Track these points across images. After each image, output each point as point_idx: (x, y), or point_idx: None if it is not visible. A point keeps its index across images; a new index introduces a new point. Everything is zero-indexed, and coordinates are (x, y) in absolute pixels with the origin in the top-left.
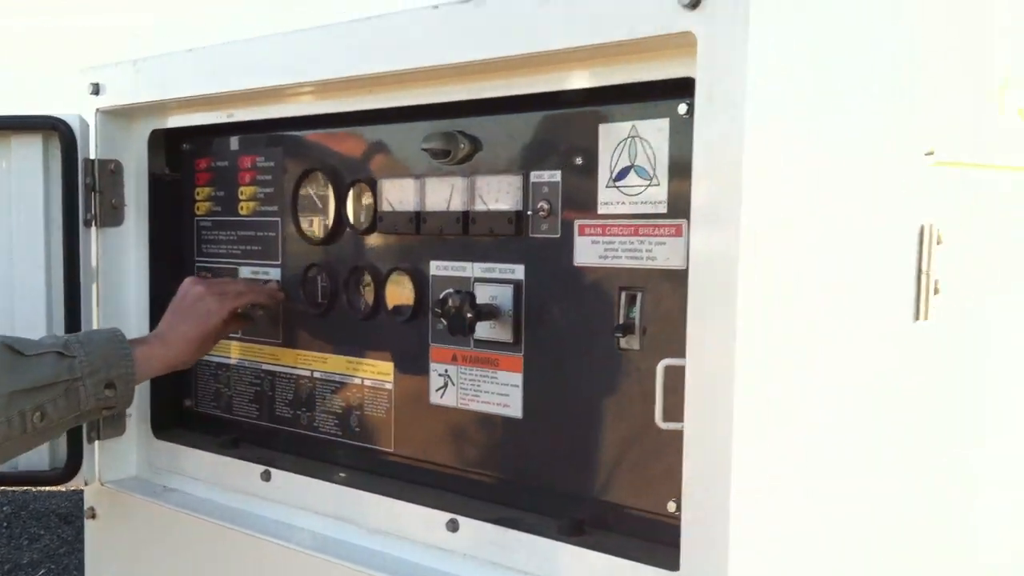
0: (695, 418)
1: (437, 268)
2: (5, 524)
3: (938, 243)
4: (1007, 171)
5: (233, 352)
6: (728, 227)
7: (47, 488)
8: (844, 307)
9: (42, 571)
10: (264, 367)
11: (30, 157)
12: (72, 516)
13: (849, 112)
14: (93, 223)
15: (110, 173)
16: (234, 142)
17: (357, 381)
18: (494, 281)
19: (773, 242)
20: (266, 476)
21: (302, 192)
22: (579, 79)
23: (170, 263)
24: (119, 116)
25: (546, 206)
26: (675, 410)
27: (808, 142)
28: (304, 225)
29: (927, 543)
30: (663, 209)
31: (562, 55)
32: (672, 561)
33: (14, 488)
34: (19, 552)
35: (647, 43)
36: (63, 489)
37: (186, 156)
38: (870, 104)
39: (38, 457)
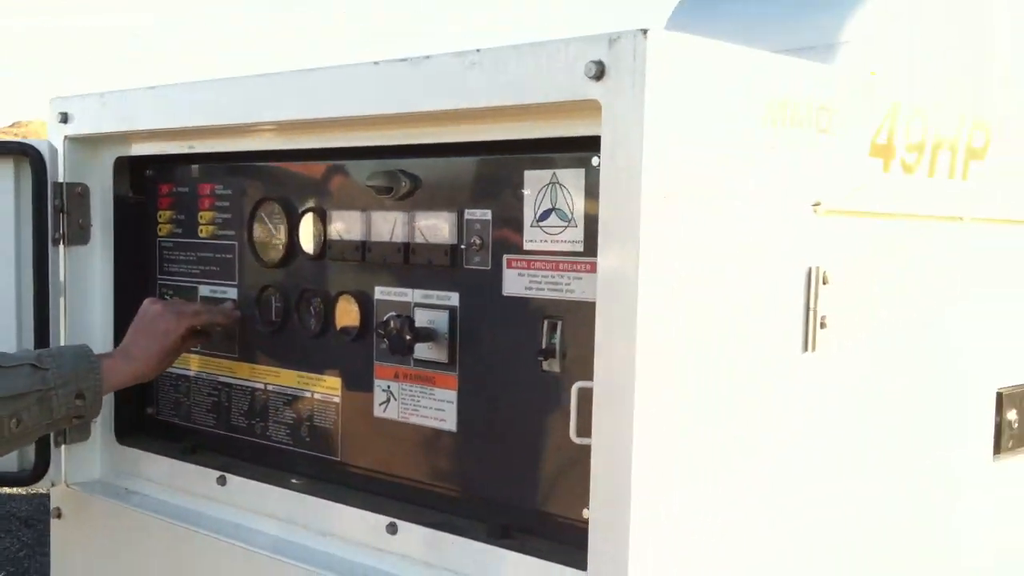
0: (600, 433)
1: (381, 293)
2: None
3: (824, 283)
4: (889, 218)
5: (192, 364)
6: (628, 266)
7: (11, 490)
8: (737, 337)
9: (2, 574)
10: (221, 379)
11: (2, 180)
12: (33, 520)
13: (741, 168)
14: (61, 242)
15: (77, 196)
16: (195, 170)
17: (307, 394)
18: (432, 307)
19: (671, 280)
20: (222, 481)
21: (257, 219)
22: (505, 132)
23: (134, 280)
24: (86, 143)
25: (478, 241)
26: (588, 427)
27: (702, 194)
28: (259, 249)
29: (812, 545)
30: (580, 248)
31: (488, 111)
32: (583, 562)
33: None
34: None
35: (562, 105)
36: (24, 492)
37: (149, 181)
38: (761, 160)
39: (7, 460)
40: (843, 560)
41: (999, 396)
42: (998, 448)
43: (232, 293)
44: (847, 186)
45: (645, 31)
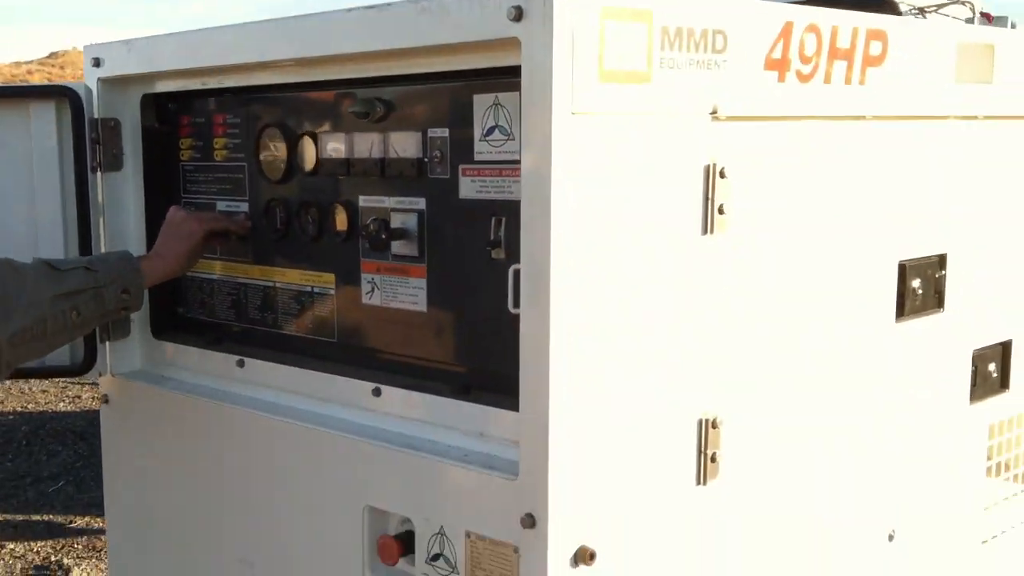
0: (526, 304)
1: (364, 201)
2: (25, 442)
3: (721, 177)
4: (786, 120)
5: (215, 269)
6: (543, 167)
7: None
8: (643, 223)
9: (61, 483)
10: (238, 280)
11: (46, 118)
12: (87, 433)
13: (642, 84)
14: (99, 169)
15: (111, 129)
16: (209, 103)
17: (308, 289)
18: (404, 210)
19: (580, 178)
20: (240, 364)
21: (262, 143)
22: (454, 64)
23: (161, 200)
24: (116, 83)
25: (439, 155)
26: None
27: (607, 108)
28: (264, 168)
29: (711, 398)
30: (517, 157)
31: (438, 48)
32: (518, 405)
33: (44, 379)
34: (39, 467)
35: (493, 42)
36: (78, 409)
37: (171, 114)
38: (662, 78)
39: (61, 355)
40: (749, 414)
41: (901, 267)
42: (901, 313)
43: (244, 207)
44: (742, 95)
45: None
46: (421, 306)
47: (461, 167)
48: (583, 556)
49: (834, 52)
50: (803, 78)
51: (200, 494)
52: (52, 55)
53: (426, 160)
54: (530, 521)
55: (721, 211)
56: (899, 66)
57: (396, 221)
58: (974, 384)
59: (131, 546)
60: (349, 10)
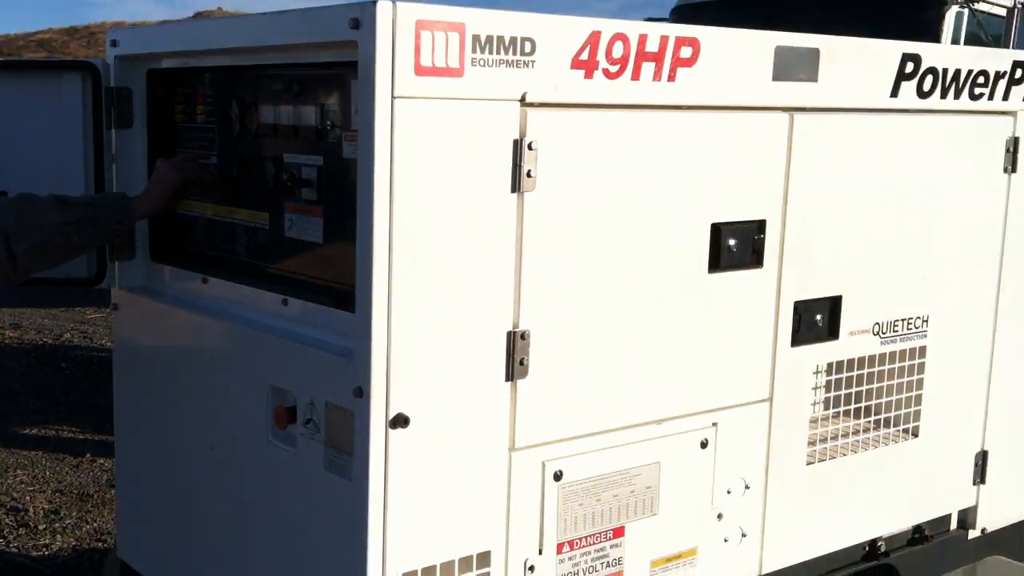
0: (360, 239)
1: (287, 158)
2: None
3: (530, 149)
4: (592, 109)
5: (193, 208)
6: (369, 130)
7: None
8: (461, 184)
9: None
10: (207, 217)
11: (73, 86)
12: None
13: (458, 79)
14: (113, 127)
15: (123, 96)
16: (194, 78)
17: (254, 225)
18: (309, 166)
19: (399, 137)
20: (204, 281)
21: (223, 111)
22: (336, 56)
23: (160, 151)
24: (128, 60)
25: (330, 124)
26: None
27: (427, 93)
28: (223, 131)
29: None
30: None
31: (319, 44)
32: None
33: (67, 287)
34: None
35: (344, 42)
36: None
37: (169, 86)
38: (477, 73)
39: (79, 268)
40: (554, 331)
41: (715, 227)
42: (715, 266)
43: (213, 159)
44: (548, 87)
45: (374, 3)
46: (319, 239)
47: (344, 134)
48: (400, 420)
49: (642, 55)
50: (610, 75)
51: (176, 383)
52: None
53: (320, 128)
54: (359, 392)
55: (529, 175)
56: (712, 66)
57: (304, 174)
58: (797, 330)
59: (132, 426)
60: (262, 13)
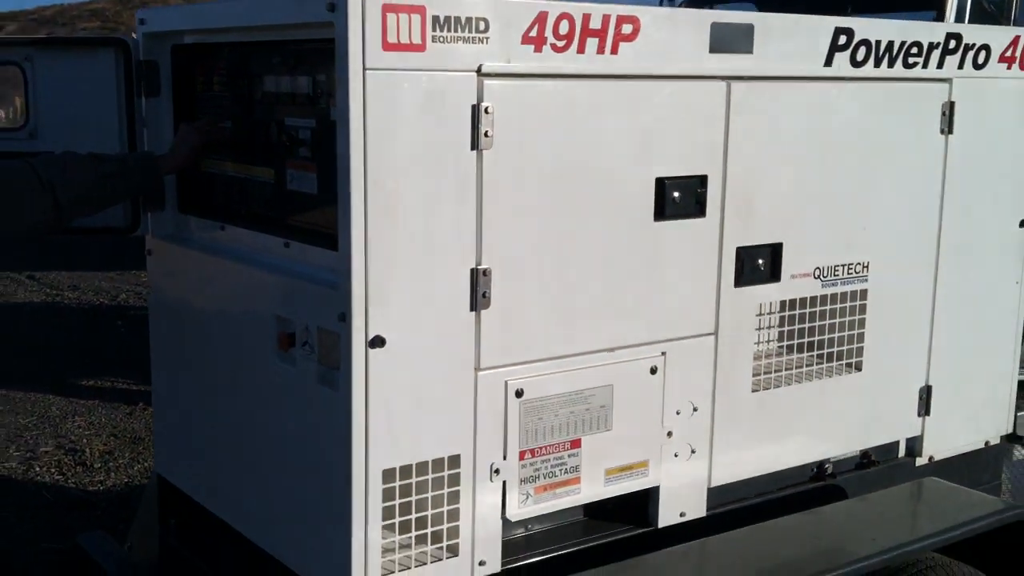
0: (340, 190)
1: (288, 121)
2: None
3: (487, 113)
4: (543, 77)
5: (213, 166)
6: (345, 97)
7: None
8: (426, 144)
9: None
10: (226, 173)
11: (108, 59)
12: None
13: (422, 54)
14: (143, 96)
15: (151, 67)
16: (211, 53)
17: (262, 180)
18: (305, 128)
19: (371, 103)
20: (222, 228)
21: (234, 81)
22: (321, 33)
23: (183, 116)
24: (155, 37)
25: (320, 91)
26: None
27: (395, 66)
28: (235, 98)
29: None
30: None
31: (305, 24)
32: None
33: (107, 236)
34: None
35: (323, 24)
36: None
37: (191, 59)
38: (438, 49)
39: (116, 220)
40: (513, 268)
41: (659, 181)
42: (660, 215)
43: (228, 124)
44: (502, 59)
45: None
46: (314, 190)
47: (331, 100)
48: (377, 341)
49: (586, 32)
50: (557, 49)
51: (199, 316)
52: None
53: (312, 95)
54: (343, 317)
55: (486, 135)
56: (652, 41)
57: (300, 135)
58: (740, 273)
59: (164, 355)
60: None
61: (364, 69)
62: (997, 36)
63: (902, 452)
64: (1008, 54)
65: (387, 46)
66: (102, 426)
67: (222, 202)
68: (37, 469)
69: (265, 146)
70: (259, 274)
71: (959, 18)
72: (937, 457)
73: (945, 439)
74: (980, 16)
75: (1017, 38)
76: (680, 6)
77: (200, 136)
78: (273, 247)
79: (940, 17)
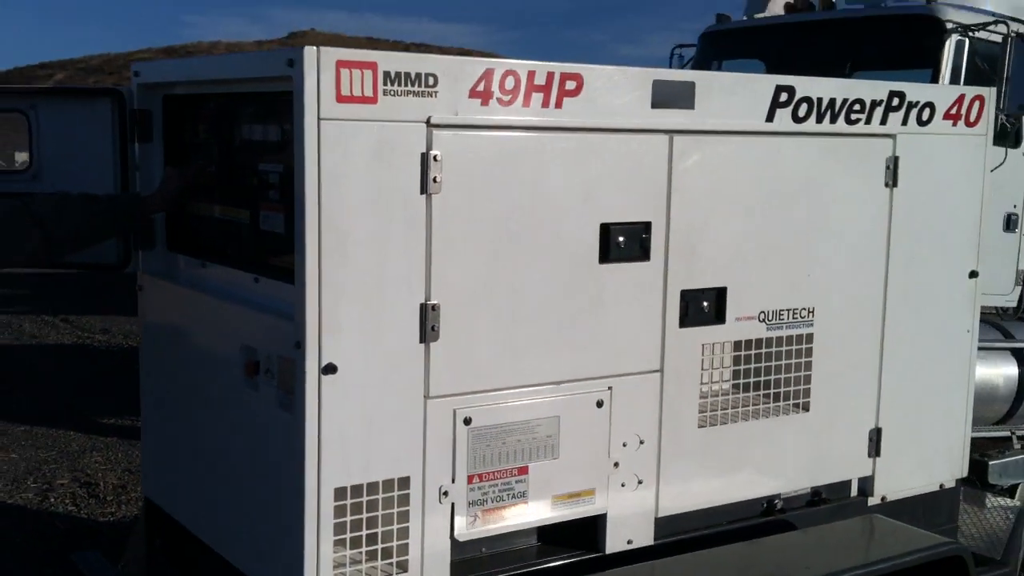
0: (297, 228)
1: (261, 166)
2: None
3: (436, 160)
4: (488, 129)
5: (197, 209)
6: (301, 145)
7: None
8: (379, 187)
9: None
10: (205, 215)
11: (105, 108)
12: None
13: (374, 106)
14: (136, 141)
15: (144, 116)
16: (196, 102)
17: (237, 219)
18: (274, 172)
19: (325, 151)
20: (203, 266)
21: (215, 128)
22: (276, 87)
23: (174, 160)
24: (148, 88)
25: (288, 138)
26: None
27: (348, 117)
28: (216, 145)
29: None
30: None
31: (264, 78)
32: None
33: (100, 272)
34: None
35: (284, 78)
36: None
37: (180, 108)
38: (390, 103)
39: (107, 257)
40: (461, 304)
41: (604, 227)
42: (605, 258)
43: (213, 168)
44: (450, 112)
45: (303, 48)
46: (281, 230)
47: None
48: (329, 368)
49: (531, 87)
50: (504, 103)
51: (182, 346)
52: (291, 35)
53: (280, 142)
54: (298, 345)
55: (435, 180)
56: (594, 96)
57: (270, 179)
58: (685, 314)
59: (152, 382)
60: (236, 53)
61: (319, 119)
62: (941, 94)
63: (854, 491)
64: (953, 111)
65: (341, 98)
66: (118, 461)
67: (205, 241)
68: (52, 500)
69: (242, 189)
70: (232, 307)
71: (954, 77)
72: (890, 497)
73: (897, 480)
74: (974, 74)
75: (962, 96)
76: (689, 63)
77: (183, 179)
78: (245, 283)
79: (935, 76)
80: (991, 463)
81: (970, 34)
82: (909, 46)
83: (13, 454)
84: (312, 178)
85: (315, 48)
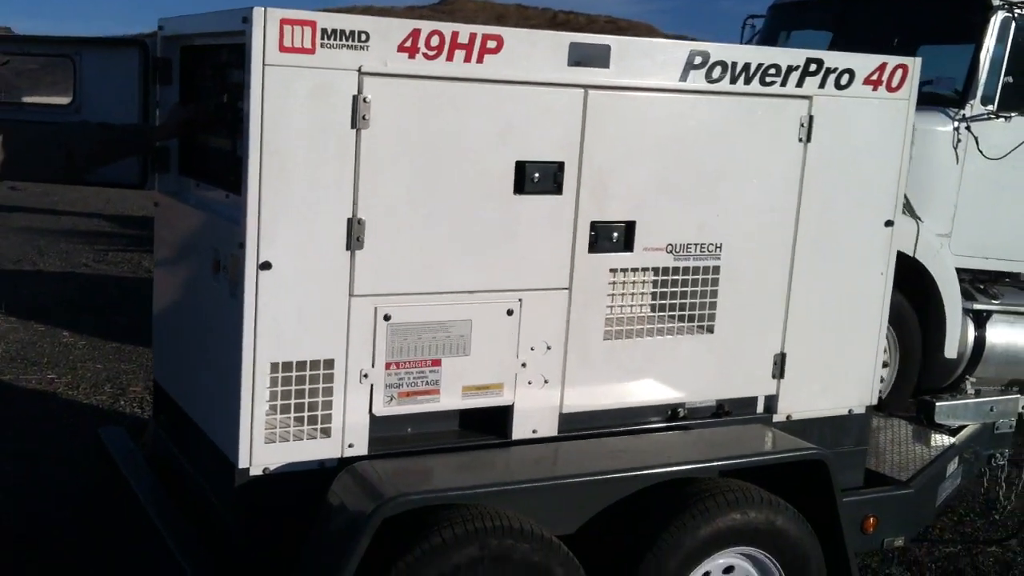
0: (246, 156)
1: (238, 104)
2: None
3: (365, 102)
4: (416, 78)
5: (202, 139)
6: (249, 87)
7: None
8: (316, 120)
9: None
10: (203, 145)
11: (133, 56)
12: None
13: (313, 55)
14: (158, 84)
15: (165, 63)
16: (202, 52)
17: (225, 148)
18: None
19: (269, 92)
20: (197, 185)
21: (212, 74)
22: (241, 39)
23: (188, 99)
24: (170, 39)
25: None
26: None
27: (285, 62)
28: (214, 85)
29: None
30: None
31: (235, 32)
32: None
33: (121, 188)
34: None
35: (239, 31)
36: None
37: (193, 56)
38: (327, 54)
39: (128, 177)
40: (386, 219)
41: (519, 164)
42: (519, 191)
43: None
44: (379, 63)
45: (252, 8)
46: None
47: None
48: (265, 265)
49: (455, 45)
50: (429, 57)
51: (179, 250)
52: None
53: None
54: (241, 245)
55: (364, 118)
56: (514, 54)
57: (242, 114)
58: (594, 242)
59: (161, 280)
60: (218, 11)
61: (264, 65)
62: (863, 62)
63: (760, 408)
64: (874, 77)
65: (283, 48)
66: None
67: (202, 166)
68: (122, 403)
69: (225, 123)
70: (209, 217)
71: (997, 53)
72: (795, 416)
73: (802, 401)
74: (1016, 49)
75: (884, 64)
76: (757, 35)
77: (185, 113)
78: (220, 198)
79: (978, 49)
80: (938, 404)
81: (1015, 11)
82: (957, 21)
83: (98, 364)
84: (256, 112)
85: (262, 8)
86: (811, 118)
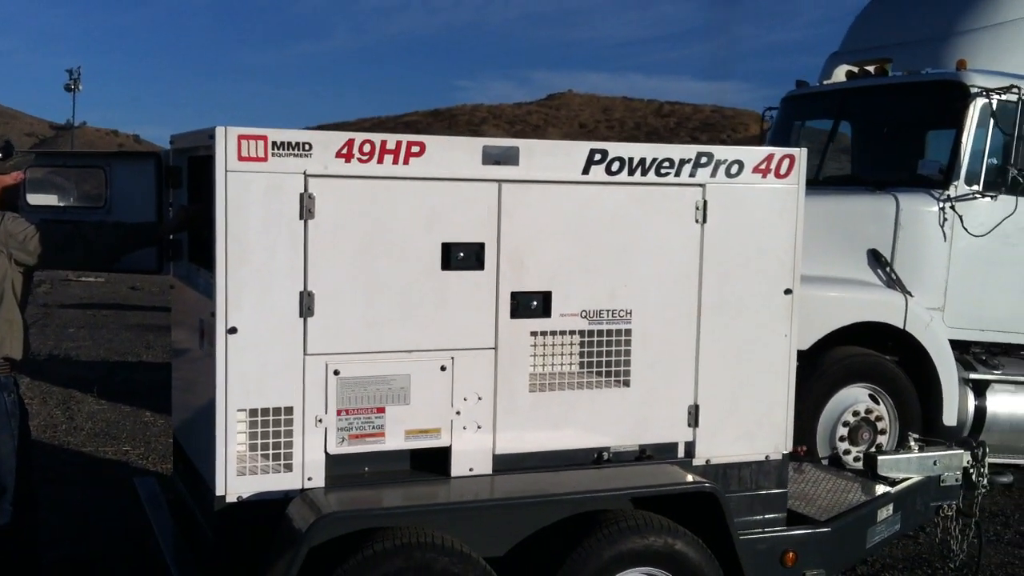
0: (216, 242)
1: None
2: None
3: (310, 198)
4: (352, 178)
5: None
6: (216, 188)
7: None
8: (271, 214)
9: None
10: (202, 237)
11: (150, 165)
12: None
13: (267, 160)
14: (171, 188)
15: (176, 171)
16: (201, 161)
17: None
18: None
19: (231, 192)
20: (198, 270)
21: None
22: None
23: (194, 201)
24: (180, 150)
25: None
26: None
27: (244, 169)
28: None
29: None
30: None
31: (198, 133)
32: None
33: (139, 273)
34: None
35: (213, 144)
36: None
37: (199, 165)
38: (275, 162)
39: (147, 264)
40: (336, 293)
41: (444, 245)
42: (446, 267)
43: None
44: (321, 167)
45: (215, 127)
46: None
47: None
48: (232, 330)
49: (384, 151)
50: (362, 161)
51: (188, 326)
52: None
53: None
54: (212, 314)
55: (310, 211)
56: (435, 156)
57: None
58: (516, 310)
59: (177, 356)
60: (202, 129)
61: (226, 171)
62: (751, 154)
63: (681, 453)
64: (763, 167)
65: (241, 158)
66: None
67: (201, 254)
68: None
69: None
70: (199, 295)
71: (979, 136)
72: (713, 461)
73: (719, 447)
74: (999, 132)
75: (771, 155)
76: (770, 122)
77: (187, 213)
78: (207, 278)
79: (959, 133)
80: (880, 458)
81: (991, 97)
82: (940, 108)
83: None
84: (221, 206)
85: (224, 128)
86: (705, 202)
